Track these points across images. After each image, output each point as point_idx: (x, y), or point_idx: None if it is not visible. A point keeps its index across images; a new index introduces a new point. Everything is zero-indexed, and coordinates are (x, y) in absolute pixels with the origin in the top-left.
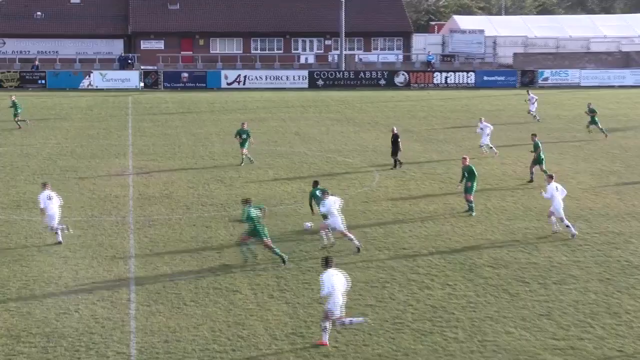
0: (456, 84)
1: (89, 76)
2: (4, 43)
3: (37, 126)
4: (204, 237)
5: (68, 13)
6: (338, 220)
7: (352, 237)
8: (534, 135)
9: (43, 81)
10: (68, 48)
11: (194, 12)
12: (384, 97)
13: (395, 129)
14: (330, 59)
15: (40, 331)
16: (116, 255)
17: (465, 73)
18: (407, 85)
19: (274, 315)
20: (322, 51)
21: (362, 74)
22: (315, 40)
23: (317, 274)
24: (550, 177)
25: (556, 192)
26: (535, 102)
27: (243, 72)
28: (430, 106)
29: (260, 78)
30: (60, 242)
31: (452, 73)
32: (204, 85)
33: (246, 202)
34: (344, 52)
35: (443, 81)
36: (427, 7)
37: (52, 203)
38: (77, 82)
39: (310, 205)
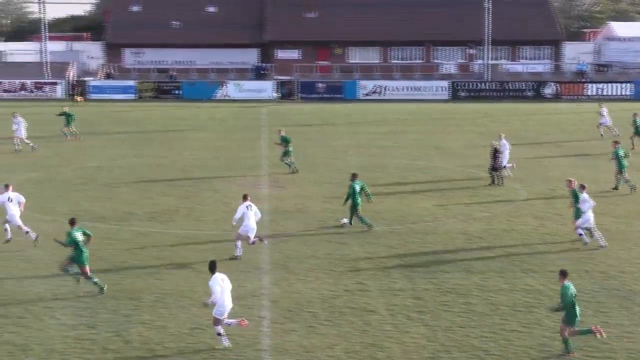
0: (611, 95)
1: (224, 86)
2: (143, 53)
3: (172, 137)
4: (339, 253)
5: (204, 22)
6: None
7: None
8: (616, 142)
9: (179, 91)
10: (203, 58)
11: (331, 20)
12: (531, 110)
13: (495, 142)
14: (473, 68)
15: (174, 345)
16: (250, 270)
17: (621, 84)
18: (556, 97)
19: (411, 337)
20: (464, 60)
21: (507, 85)
22: (457, 49)
23: (457, 295)
24: (583, 186)
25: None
26: (607, 116)
27: (381, 83)
28: (581, 119)
29: (399, 89)
30: (8, 240)
31: (606, 84)
32: (341, 95)
33: (72, 223)
34: (488, 62)
35: (596, 92)
36: (580, 12)
37: (12, 204)
38: (212, 92)
39: (348, 199)
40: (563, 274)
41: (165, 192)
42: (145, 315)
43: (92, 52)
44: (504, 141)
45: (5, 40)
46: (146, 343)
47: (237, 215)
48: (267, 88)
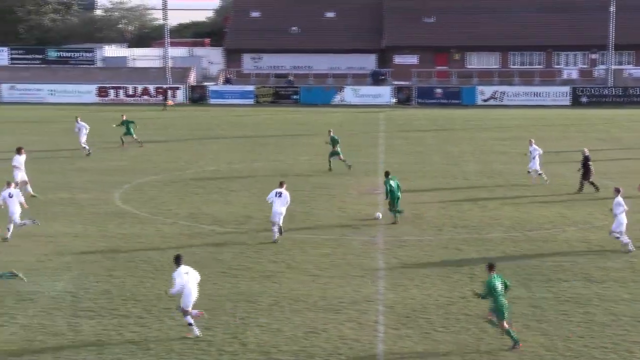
0: None
1: (341, 91)
2: (261, 58)
3: (289, 142)
4: (455, 260)
5: (322, 28)
6: None
7: None
8: None
9: (296, 96)
10: (321, 63)
11: (449, 25)
12: None
13: (586, 150)
14: (595, 74)
15: (289, 349)
16: (365, 275)
17: None
18: None
19: (529, 346)
20: (586, 66)
21: (631, 90)
22: (579, 54)
23: (576, 304)
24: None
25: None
26: None
27: (500, 88)
28: None
29: (519, 94)
30: (7, 239)
31: None
32: (458, 101)
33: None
34: (612, 67)
35: None
36: None
37: (13, 201)
38: (329, 97)
39: (387, 194)
40: (489, 267)
41: None
42: (262, 318)
43: (212, 57)
44: (534, 146)
45: (130, 46)
46: (262, 346)
47: (269, 199)
48: (384, 93)
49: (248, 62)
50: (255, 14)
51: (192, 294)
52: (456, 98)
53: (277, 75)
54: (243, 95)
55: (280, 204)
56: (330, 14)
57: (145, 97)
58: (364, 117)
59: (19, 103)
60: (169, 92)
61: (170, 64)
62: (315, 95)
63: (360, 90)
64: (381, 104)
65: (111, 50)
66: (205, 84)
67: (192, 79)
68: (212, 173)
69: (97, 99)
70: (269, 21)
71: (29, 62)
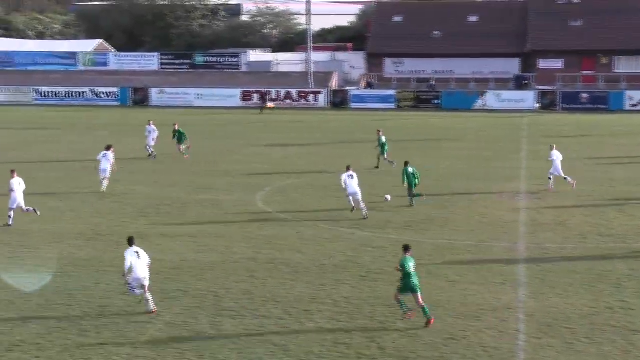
0: None
1: (484, 96)
2: (402, 63)
3: (429, 146)
4: (602, 269)
5: (465, 32)
6: None
7: None
8: None
9: (438, 101)
10: (463, 67)
11: (597, 28)
12: None
13: None
14: None
15: (428, 355)
16: (505, 282)
17: None
18: None
19: None
20: None
21: None
22: None
23: None
24: None
25: None
26: None
27: None
28: None
29: None
30: (9, 225)
31: None
32: (605, 106)
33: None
34: None
35: None
36: None
37: (19, 188)
38: (471, 102)
39: (403, 180)
40: (404, 248)
41: (421, 201)
42: (400, 323)
43: (354, 61)
44: (555, 152)
45: (274, 51)
46: (400, 351)
47: (341, 182)
48: (527, 98)
49: (389, 67)
50: (397, 19)
51: (140, 274)
52: (603, 103)
53: (419, 80)
54: (384, 99)
55: (356, 184)
56: (473, 18)
57: (288, 101)
58: (506, 122)
59: (167, 107)
60: (267, 95)
61: (312, 68)
62: (456, 100)
63: (502, 95)
64: (524, 109)
65: (255, 55)
66: (347, 88)
67: (334, 83)
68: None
69: (241, 103)
70: (411, 26)
71: (177, 67)
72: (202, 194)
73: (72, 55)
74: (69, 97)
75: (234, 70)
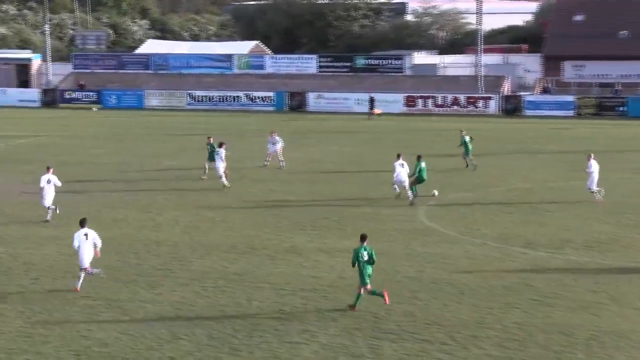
0: None
1: None
2: (584, 66)
3: (611, 158)
4: None
5: None
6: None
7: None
8: None
9: (623, 108)
10: None
11: None
12: None
13: None
14: None
15: None
16: None
17: None
18: None
19: None
20: None
21: None
22: None
23: None
24: None
25: None
26: None
27: None
28: None
29: None
30: (47, 221)
31: None
32: None
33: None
34: None
35: None
36: None
37: (49, 186)
38: None
39: (413, 173)
40: (361, 238)
41: (602, 219)
42: (579, 354)
43: (528, 65)
44: (592, 162)
45: (440, 53)
46: None
47: (395, 173)
48: None
49: (569, 70)
50: (578, 18)
51: (86, 253)
52: None
53: (602, 85)
54: (562, 106)
55: (405, 173)
56: None
57: (455, 107)
58: None
59: (325, 113)
60: (375, 101)
61: (482, 72)
62: None
63: None
64: None
65: (420, 58)
66: (521, 93)
67: (506, 88)
68: (524, 191)
69: (404, 109)
70: (595, 25)
71: (337, 70)
72: (362, 206)
73: (228, 57)
74: (223, 101)
75: (397, 74)
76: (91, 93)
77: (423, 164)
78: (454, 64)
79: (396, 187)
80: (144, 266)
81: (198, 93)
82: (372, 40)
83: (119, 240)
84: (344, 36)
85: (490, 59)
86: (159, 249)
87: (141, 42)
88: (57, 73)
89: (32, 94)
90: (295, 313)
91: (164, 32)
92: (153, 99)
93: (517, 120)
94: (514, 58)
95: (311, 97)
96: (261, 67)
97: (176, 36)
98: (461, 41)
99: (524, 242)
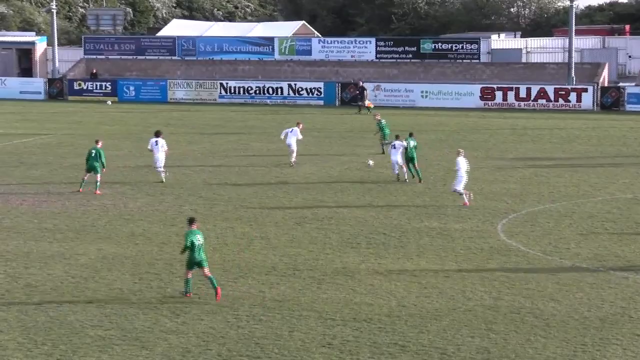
0: None
1: None
2: None
3: None
4: None
5: None
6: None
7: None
8: None
9: None
10: None
11: None
12: None
13: None
14: None
15: None
16: None
17: None
18: None
19: None
20: None
21: None
22: None
23: None
24: None
25: None
26: None
27: None
28: None
29: None
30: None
31: None
32: None
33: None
34: None
35: None
36: None
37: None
38: None
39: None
40: (190, 221)
41: None
42: None
43: (633, 49)
44: (460, 159)
45: (524, 36)
46: None
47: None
48: None
49: None
50: None
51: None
52: None
53: None
54: None
55: (399, 154)
56: None
57: (541, 101)
58: None
59: (384, 107)
60: (366, 92)
61: (575, 58)
62: None
63: None
64: None
65: (500, 42)
66: (622, 84)
67: (604, 78)
68: (625, 202)
69: (480, 103)
70: None
71: (399, 56)
72: (427, 220)
73: (268, 41)
74: (261, 93)
75: (471, 61)
76: (105, 83)
77: (412, 142)
78: (540, 49)
79: (396, 169)
80: (166, 290)
81: (232, 84)
82: (441, 21)
83: (137, 258)
84: (407, 16)
85: (585, 42)
86: (184, 270)
87: (165, 22)
88: (65, 59)
89: (36, 84)
90: (346, 347)
91: (191, 11)
92: (178, 91)
93: (616, 116)
94: (614, 42)
95: (368, 89)
96: (308, 52)
97: (207, 15)
98: (549, 21)
99: (624, 264)
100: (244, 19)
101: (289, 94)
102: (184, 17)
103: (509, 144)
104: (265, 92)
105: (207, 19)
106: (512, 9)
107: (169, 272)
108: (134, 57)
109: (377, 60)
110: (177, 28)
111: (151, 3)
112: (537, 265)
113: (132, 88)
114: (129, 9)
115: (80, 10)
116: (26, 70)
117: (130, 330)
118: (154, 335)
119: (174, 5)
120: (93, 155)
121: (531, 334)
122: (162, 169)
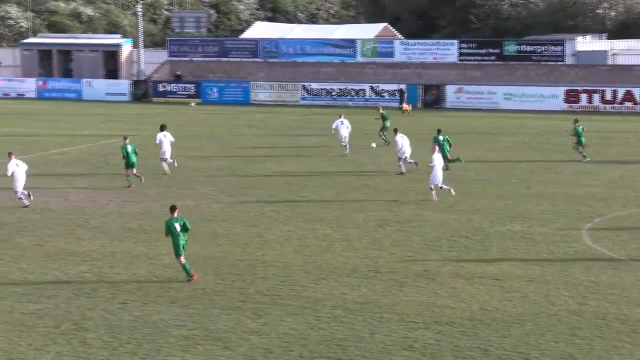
0: None
1: None
2: None
3: None
4: None
5: None
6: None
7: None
8: None
9: None
10: None
11: None
12: None
13: None
14: None
15: None
16: None
17: None
18: None
19: None
20: None
21: None
22: None
23: None
24: None
25: None
26: None
27: None
28: None
29: None
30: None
31: None
32: None
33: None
34: None
35: None
36: None
37: (19, 169)
38: None
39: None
40: (171, 209)
41: None
42: None
43: None
44: (436, 155)
45: (610, 37)
46: None
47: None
48: None
49: None
50: None
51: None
52: None
53: None
54: None
55: (407, 145)
56: None
57: (628, 104)
58: None
59: (465, 109)
60: (405, 95)
61: None
62: None
63: None
64: None
65: (585, 43)
66: None
67: None
68: None
69: (564, 106)
70: None
71: (482, 58)
72: (511, 223)
73: (350, 43)
74: (343, 95)
75: (556, 63)
76: (189, 85)
77: (441, 137)
78: (628, 51)
79: (402, 165)
80: (248, 291)
81: (314, 85)
82: (525, 22)
83: (219, 259)
84: (490, 17)
85: None
86: (266, 271)
87: (248, 24)
88: (150, 61)
89: (122, 86)
90: (428, 350)
91: (275, 13)
92: (261, 93)
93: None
94: None
95: (450, 91)
96: (390, 54)
97: (289, 17)
98: (636, 23)
99: None
100: (326, 21)
101: (370, 96)
102: (267, 19)
103: (594, 147)
104: (347, 93)
105: (289, 21)
106: (598, 10)
107: (251, 273)
108: (217, 59)
109: (460, 62)
110: (260, 30)
111: (234, 5)
112: (624, 270)
113: (215, 90)
114: (213, 11)
115: (165, 12)
116: (112, 72)
117: (213, 330)
118: (237, 336)
119: (257, 7)
120: (129, 151)
121: (617, 340)
122: (170, 160)
